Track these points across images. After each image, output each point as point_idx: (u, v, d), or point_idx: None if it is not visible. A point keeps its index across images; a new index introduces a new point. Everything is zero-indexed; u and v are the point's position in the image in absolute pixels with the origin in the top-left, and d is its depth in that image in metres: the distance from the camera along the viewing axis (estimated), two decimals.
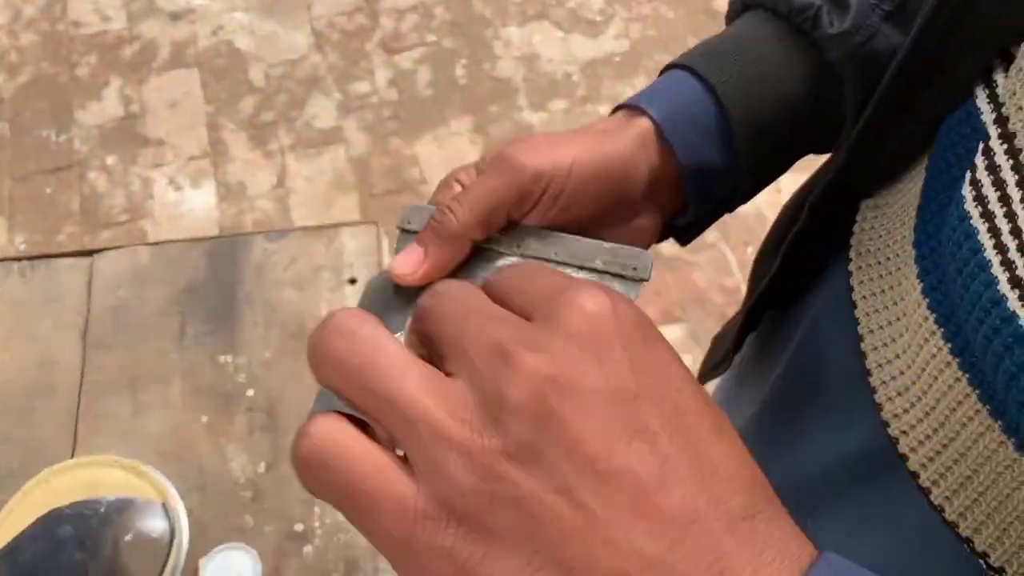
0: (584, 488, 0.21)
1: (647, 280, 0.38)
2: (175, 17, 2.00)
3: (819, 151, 0.48)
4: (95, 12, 2.01)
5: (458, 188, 0.38)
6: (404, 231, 0.37)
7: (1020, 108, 0.34)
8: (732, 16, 0.47)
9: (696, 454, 0.22)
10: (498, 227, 0.37)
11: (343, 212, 1.71)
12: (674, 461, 0.22)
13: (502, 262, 0.37)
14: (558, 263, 0.37)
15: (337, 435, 0.23)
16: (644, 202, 0.41)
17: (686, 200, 0.43)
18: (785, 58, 0.43)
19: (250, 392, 0.73)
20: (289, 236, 0.86)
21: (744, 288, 0.60)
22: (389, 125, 1.84)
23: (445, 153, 1.78)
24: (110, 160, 1.78)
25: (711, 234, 1.63)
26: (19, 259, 0.84)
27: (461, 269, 0.36)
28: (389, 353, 0.23)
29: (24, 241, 1.69)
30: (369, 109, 1.86)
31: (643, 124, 0.41)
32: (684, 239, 0.47)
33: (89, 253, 0.83)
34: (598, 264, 0.37)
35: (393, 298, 0.36)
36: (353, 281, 0.80)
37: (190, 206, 1.72)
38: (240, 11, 2.01)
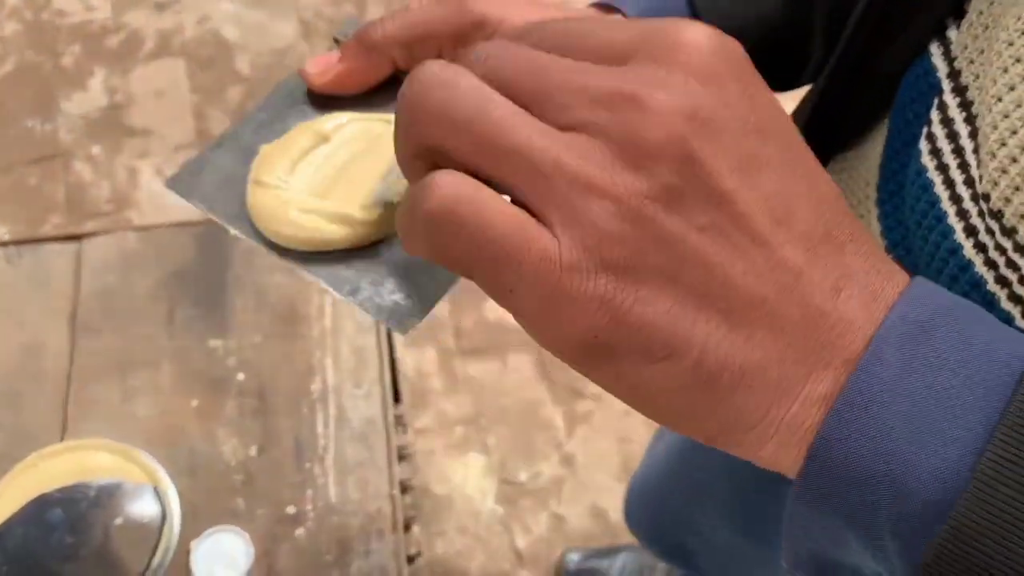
0: (721, 225, 0.21)
1: None
2: (161, 7, 1.99)
3: (779, 87, 0.48)
4: (80, 2, 2.00)
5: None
6: (338, 41, 0.37)
7: (971, 61, 0.35)
8: None
9: (813, 184, 0.23)
10: (425, 58, 0.35)
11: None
12: (798, 190, 0.23)
13: None
14: None
15: (468, 189, 0.22)
16: None
17: None
18: None
19: (240, 376, 0.72)
20: None
21: None
22: None
23: None
24: (95, 150, 1.77)
25: None
26: (5, 244, 0.83)
27: (379, 96, 0.35)
28: (500, 103, 0.22)
29: (8, 232, 1.68)
30: None
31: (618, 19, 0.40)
32: None
33: (77, 238, 0.82)
34: None
35: (299, 102, 0.35)
36: None
37: (176, 196, 1.71)
38: (227, 1, 2.00)
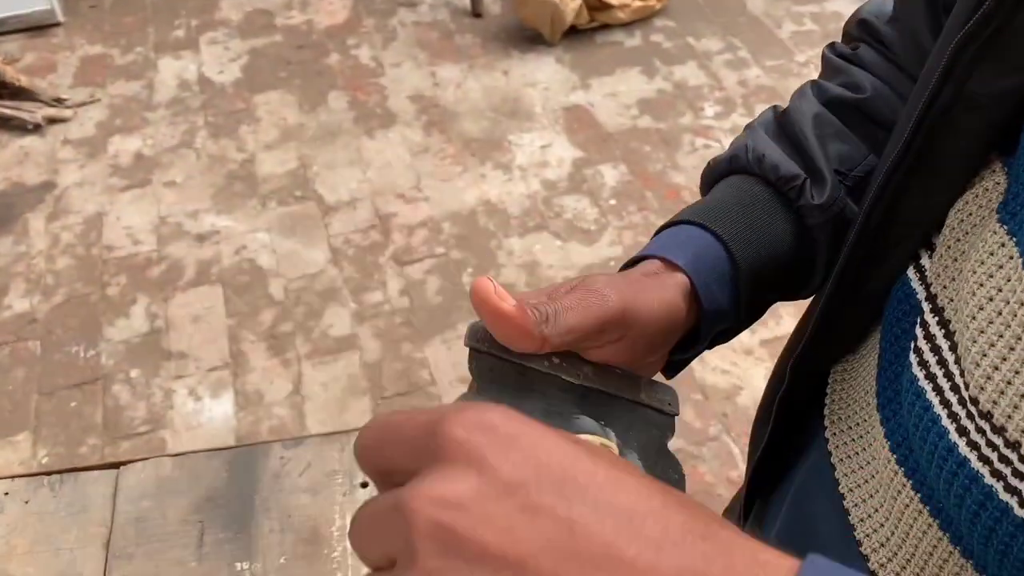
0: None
1: (678, 415, 0.42)
2: (201, 239, 2.15)
3: (792, 298, 0.54)
4: (127, 236, 2.16)
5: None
6: (476, 351, 0.40)
7: (945, 287, 0.41)
8: (714, 178, 0.54)
9: (601, 506, 0.24)
10: (565, 349, 0.40)
11: (356, 416, 1.76)
12: (584, 520, 0.24)
13: (565, 387, 0.40)
14: (611, 395, 0.40)
15: None
16: (664, 344, 0.46)
17: (688, 339, 0.48)
18: (774, 218, 0.50)
19: None
20: (304, 443, 0.91)
21: None
22: (400, 331, 1.93)
23: (453, 355, 1.86)
24: (134, 373, 1.86)
25: (713, 427, 1.67)
26: (48, 473, 0.89)
27: (530, 390, 0.39)
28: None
29: (47, 454, 1.74)
30: (382, 317, 1.96)
31: (680, 277, 0.46)
32: (672, 373, 0.51)
33: (116, 465, 0.88)
34: (642, 397, 0.41)
35: (508, 384, 0.39)
36: (365, 485, 0.85)
37: (209, 416, 1.78)
38: (262, 231, 2.16)
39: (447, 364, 1.84)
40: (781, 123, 0.54)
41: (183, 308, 1.99)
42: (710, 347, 0.51)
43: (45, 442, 1.76)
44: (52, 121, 2.46)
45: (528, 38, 2.68)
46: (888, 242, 0.44)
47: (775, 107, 0.56)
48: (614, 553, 0.23)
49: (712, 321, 0.48)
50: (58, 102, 2.49)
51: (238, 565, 0.80)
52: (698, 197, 0.54)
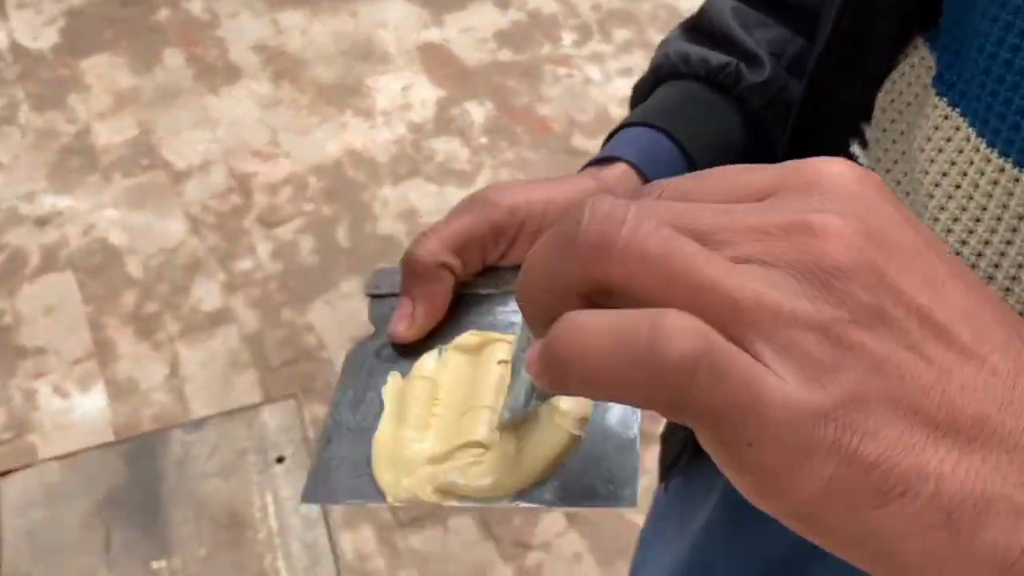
0: (927, 341, 0.20)
1: None
2: (42, 222, 1.97)
3: None
4: None
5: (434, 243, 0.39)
6: (374, 296, 0.38)
7: (888, 171, 0.40)
8: (644, 93, 0.51)
9: (993, 297, 0.22)
10: (474, 264, 0.38)
11: (243, 393, 1.66)
12: (984, 303, 0.22)
13: (487, 302, 0.38)
14: None
15: (713, 336, 0.20)
16: None
17: None
18: (719, 112, 0.48)
19: None
20: (206, 425, 0.83)
21: None
22: (278, 297, 1.83)
23: (338, 316, 1.78)
24: None
25: None
26: None
27: (451, 319, 0.37)
28: (687, 240, 0.21)
29: None
30: (256, 285, 1.85)
31: (621, 167, 0.43)
32: None
33: None
34: None
35: (376, 365, 0.37)
36: (281, 459, 0.78)
37: (81, 412, 1.64)
38: (110, 207, 2.00)
39: (333, 325, 1.77)
40: (696, 26, 0.52)
41: (32, 300, 1.82)
42: None
43: None
44: None
45: None
46: (823, 132, 0.43)
47: (681, 23, 0.53)
48: None
49: None
50: None
51: (154, 564, 0.73)
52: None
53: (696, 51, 0.49)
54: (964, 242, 0.35)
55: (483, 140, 2.14)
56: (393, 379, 0.36)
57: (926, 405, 0.20)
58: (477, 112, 2.20)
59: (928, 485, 0.20)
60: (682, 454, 0.58)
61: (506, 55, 2.36)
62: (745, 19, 0.50)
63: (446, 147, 2.12)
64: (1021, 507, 0.20)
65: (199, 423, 0.79)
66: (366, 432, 0.35)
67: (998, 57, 0.33)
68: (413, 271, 0.37)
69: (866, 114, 0.42)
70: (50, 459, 0.76)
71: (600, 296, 0.22)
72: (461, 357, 0.36)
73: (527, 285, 0.23)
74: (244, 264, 1.89)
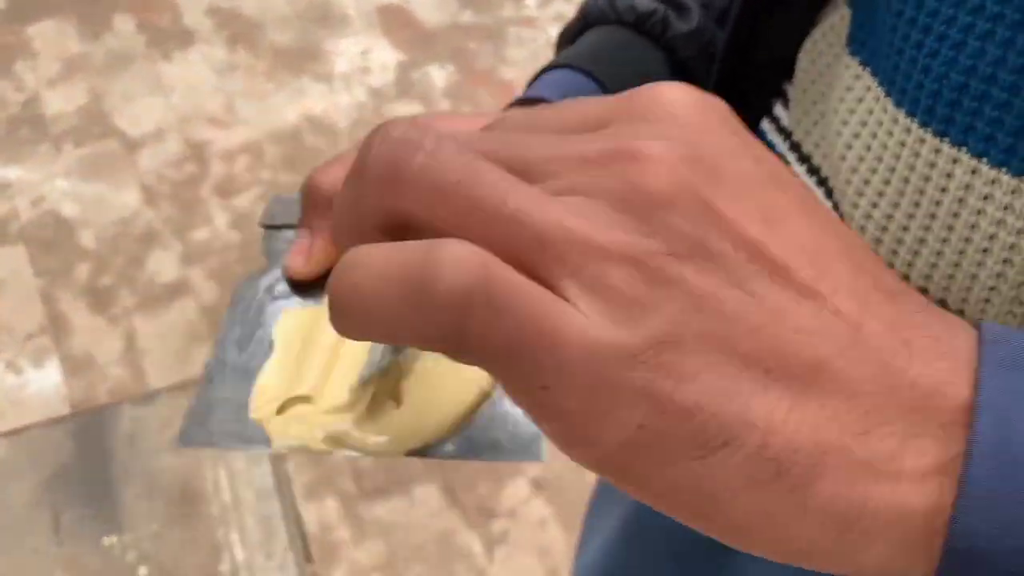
0: (758, 278, 0.18)
1: None
2: None
3: None
4: None
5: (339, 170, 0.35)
6: (269, 227, 0.35)
7: (808, 133, 0.39)
8: (571, 39, 0.50)
9: (843, 234, 0.20)
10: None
11: (202, 364, 1.64)
12: (830, 240, 0.20)
13: None
14: None
15: (493, 266, 0.18)
16: None
17: None
18: (646, 58, 0.47)
19: (143, 571, 0.67)
20: (157, 399, 0.81)
21: None
22: (236, 268, 1.80)
23: None
24: None
25: None
26: None
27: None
28: (490, 167, 0.19)
29: None
30: (214, 255, 1.82)
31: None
32: None
33: None
34: None
35: (267, 301, 0.34)
36: None
37: (37, 388, 1.60)
38: (60, 178, 1.94)
39: None
40: None
41: None
42: None
43: None
44: None
45: None
46: (745, 89, 0.42)
47: None
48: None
49: None
50: None
51: (104, 540, 0.71)
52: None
53: None
54: (875, 205, 0.34)
55: (445, 104, 2.10)
56: (286, 315, 0.33)
57: (754, 348, 0.18)
58: (439, 75, 2.17)
59: (754, 435, 0.18)
60: None
61: (468, 17, 2.32)
62: None
63: (407, 111, 2.09)
64: (860, 459, 0.18)
65: (149, 397, 0.76)
66: (252, 373, 0.32)
67: (904, 14, 0.32)
68: (314, 201, 0.33)
69: (789, 73, 0.41)
70: None
71: (401, 231, 0.19)
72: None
73: (336, 222, 0.21)
74: (201, 234, 1.85)
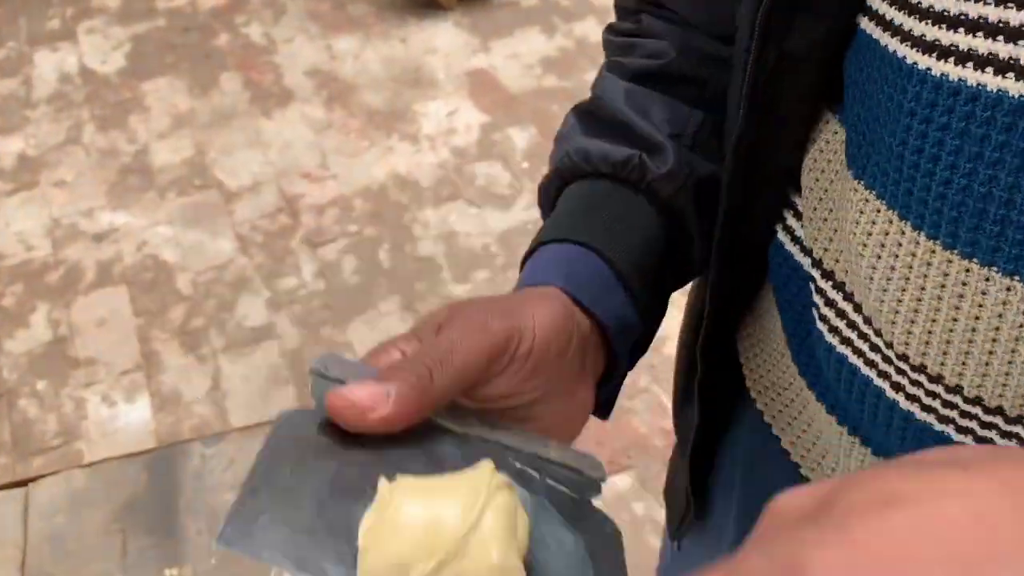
0: None
1: (605, 480, 0.36)
2: (99, 238, 2.05)
3: (688, 277, 0.50)
4: (19, 242, 2.05)
5: (397, 354, 0.37)
6: (321, 376, 0.34)
7: (826, 250, 0.40)
8: (552, 196, 0.49)
9: None
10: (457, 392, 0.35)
11: (281, 407, 1.71)
12: None
13: (448, 441, 0.35)
14: (507, 448, 0.35)
15: None
16: (581, 371, 0.41)
17: (608, 364, 0.43)
18: (630, 206, 0.46)
19: None
20: (225, 439, 0.87)
21: None
22: (319, 315, 1.88)
23: (377, 335, 1.82)
24: (40, 385, 1.77)
25: (642, 378, 1.68)
26: None
27: (401, 437, 0.34)
28: None
29: None
30: (298, 302, 1.91)
31: (553, 290, 0.41)
32: (605, 413, 0.46)
33: (24, 483, 0.82)
34: (552, 455, 0.36)
35: (313, 441, 0.33)
36: None
37: (126, 421, 1.70)
38: (164, 224, 2.07)
39: (371, 343, 1.78)
40: (591, 115, 0.49)
41: (87, 312, 1.90)
42: (631, 366, 0.46)
43: None
44: None
45: (423, 3, 2.62)
46: (753, 204, 0.43)
47: (575, 107, 0.51)
48: None
49: (619, 333, 0.43)
50: None
51: (167, 572, 0.76)
52: None
53: (596, 146, 0.46)
54: (912, 322, 0.35)
55: (524, 165, 2.17)
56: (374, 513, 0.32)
57: None
58: (520, 137, 2.24)
59: None
60: (686, 513, 0.57)
61: (551, 81, 2.39)
62: (639, 102, 0.48)
63: (488, 171, 2.16)
64: None
65: (219, 436, 0.82)
66: (297, 495, 0.32)
67: (908, 144, 0.33)
68: (419, 392, 0.34)
69: (795, 184, 0.42)
70: (75, 467, 0.81)
71: None
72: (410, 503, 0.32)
73: None
74: (289, 282, 1.94)
